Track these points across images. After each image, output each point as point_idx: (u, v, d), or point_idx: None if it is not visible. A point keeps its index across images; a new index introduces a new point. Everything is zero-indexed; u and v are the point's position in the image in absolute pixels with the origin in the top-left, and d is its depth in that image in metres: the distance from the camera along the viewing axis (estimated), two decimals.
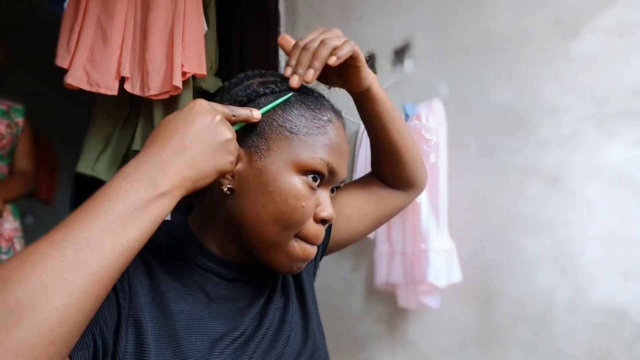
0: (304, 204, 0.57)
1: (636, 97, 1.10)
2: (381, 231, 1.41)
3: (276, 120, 0.59)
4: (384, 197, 0.83)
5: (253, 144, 0.59)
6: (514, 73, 1.29)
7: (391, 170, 0.82)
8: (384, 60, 1.57)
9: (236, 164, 0.59)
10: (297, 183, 0.57)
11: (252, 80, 0.65)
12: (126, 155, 1.82)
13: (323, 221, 0.60)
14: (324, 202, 0.60)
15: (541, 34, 1.25)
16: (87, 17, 1.44)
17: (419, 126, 1.32)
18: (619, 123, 1.12)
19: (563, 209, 1.19)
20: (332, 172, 0.60)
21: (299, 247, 0.59)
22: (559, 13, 1.22)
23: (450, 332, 1.36)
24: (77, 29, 1.43)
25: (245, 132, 0.60)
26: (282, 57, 1.81)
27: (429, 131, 1.30)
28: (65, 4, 1.47)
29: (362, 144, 1.48)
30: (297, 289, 0.74)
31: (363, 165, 1.48)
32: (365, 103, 0.72)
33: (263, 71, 0.68)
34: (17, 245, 1.87)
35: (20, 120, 1.93)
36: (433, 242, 1.27)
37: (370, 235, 1.45)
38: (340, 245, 0.83)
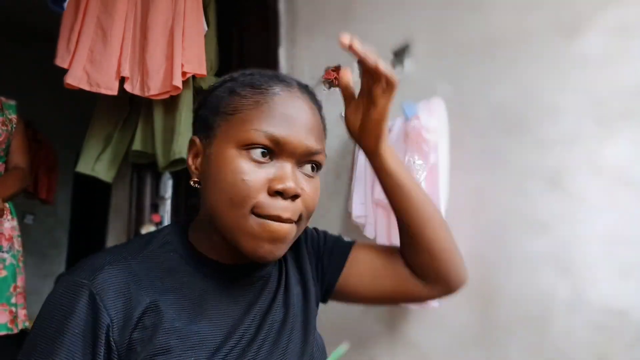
0: (244, 178, 0.56)
1: (636, 97, 1.10)
2: (381, 231, 1.41)
3: (220, 109, 0.61)
4: (403, 279, 0.76)
5: (206, 134, 0.62)
6: (514, 73, 1.29)
7: (411, 256, 0.76)
8: (384, 60, 1.57)
9: (197, 160, 0.64)
10: (235, 158, 0.57)
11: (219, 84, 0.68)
12: (126, 155, 1.82)
13: (280, 194, 0.57)
14: (280, 174, 0.58)
15: (541, 34, 1.25)
16: (87, 17, 1.44)
17: (419, 126, 1.32)
18: (619, 123, 1.12)
19: (563, 209, 1.19)
20: (276, 141, 0.57)
21: (256, 224, 0.57)
22: (559, 13, 1.22)
23: (450, 332, 1.36)
24: (77, 29, 1.43)
25: (201, 127, 0.64)
26: (282, 57, 1.81)
27: (429, 131, 1.30)
28: (65, 4, 1.47)
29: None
30: (302, 285, 0.73)
31: (363, 165, 1.48)
32: (377, 171, 0.72)
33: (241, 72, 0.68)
34: (17, 245, 1.87)
35: (14, 117, 1.92)
36: None
37: (370, 235, 1.45)
38: (345, 298, 0.78)
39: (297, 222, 0.60)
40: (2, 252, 1.81)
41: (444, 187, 1.30)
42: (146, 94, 1.49)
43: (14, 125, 1.91)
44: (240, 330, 0.60)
